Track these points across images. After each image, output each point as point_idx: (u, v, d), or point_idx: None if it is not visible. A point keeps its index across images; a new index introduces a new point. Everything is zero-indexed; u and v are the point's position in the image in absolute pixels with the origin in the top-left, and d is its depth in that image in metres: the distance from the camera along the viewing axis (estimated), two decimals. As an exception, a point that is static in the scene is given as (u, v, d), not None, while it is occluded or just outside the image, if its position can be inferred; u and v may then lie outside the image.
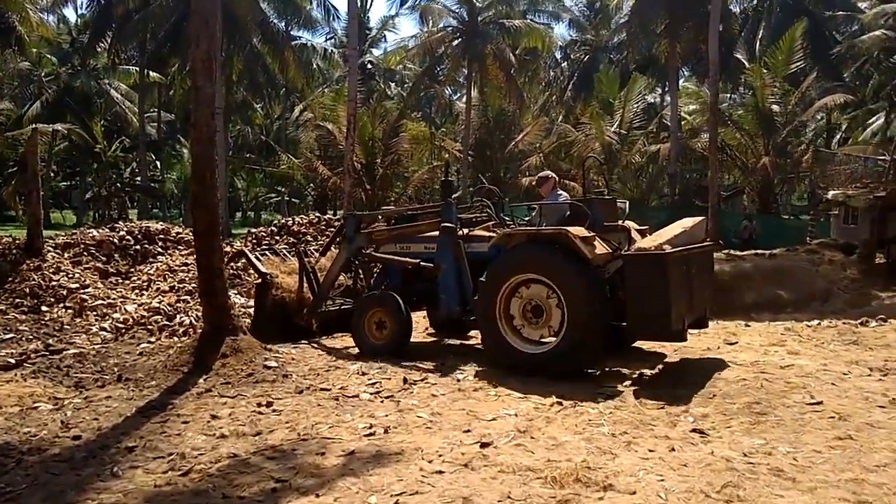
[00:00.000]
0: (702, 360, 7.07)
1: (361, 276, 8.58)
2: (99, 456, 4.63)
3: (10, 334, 8.76)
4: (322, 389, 6.09)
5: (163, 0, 26.07)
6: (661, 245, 6.02)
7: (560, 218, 7.08)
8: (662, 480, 3.95)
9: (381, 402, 5.74)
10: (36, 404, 5.86)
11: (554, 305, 6.36)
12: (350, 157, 17.42)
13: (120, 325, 9.28)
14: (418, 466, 4.22)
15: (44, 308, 10.25)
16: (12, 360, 7.37)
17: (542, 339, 6.52)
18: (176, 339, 8.82)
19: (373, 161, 22.18)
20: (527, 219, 8.29)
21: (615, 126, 25.47)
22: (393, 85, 40.46)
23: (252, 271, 9.94)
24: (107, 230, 13.48)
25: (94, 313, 10.12)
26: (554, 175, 7.97)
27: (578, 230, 6.27)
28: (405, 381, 6.28)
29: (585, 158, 24.81)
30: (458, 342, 8.48)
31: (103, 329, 9.11)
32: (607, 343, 6.40)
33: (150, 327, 9.15)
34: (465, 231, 7.54)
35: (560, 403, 5.48)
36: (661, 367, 6.94)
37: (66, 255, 12.30)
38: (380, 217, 10.78)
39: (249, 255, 9.40)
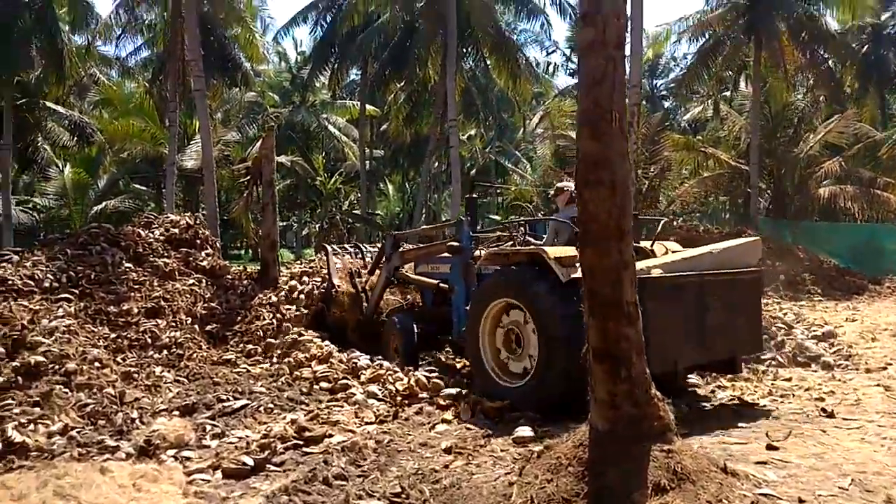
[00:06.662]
0: None
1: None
2: None
3: (243, 400, 5.85)
4: None
5: (391, 12, 23.88)
6: (649, 269, 5.03)
7: (570, 235, 6.17)
8: None
9: None
10: None
11: (531, 332, 5.61)
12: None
13: (393, 390, 6.02)
14: None
15: (283, 359, 7.40)
16: (249, 461, 4.26)
17: (521, 372, 5.75)
18: (481, 420, 5.38)
19: (634, 172, 17.98)
20: None
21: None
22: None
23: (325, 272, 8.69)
24: (349, 255, 10.73)
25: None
26: (571, 186, 6.54)
27: (560, 249, 5.54)
28: None
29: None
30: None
31: (372, 396, 5.89)
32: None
33: (439, 401, 5.76)
34: (479, 251, 6.87)
35: None
36: None
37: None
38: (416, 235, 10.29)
39: (330, 252, 8.57)
